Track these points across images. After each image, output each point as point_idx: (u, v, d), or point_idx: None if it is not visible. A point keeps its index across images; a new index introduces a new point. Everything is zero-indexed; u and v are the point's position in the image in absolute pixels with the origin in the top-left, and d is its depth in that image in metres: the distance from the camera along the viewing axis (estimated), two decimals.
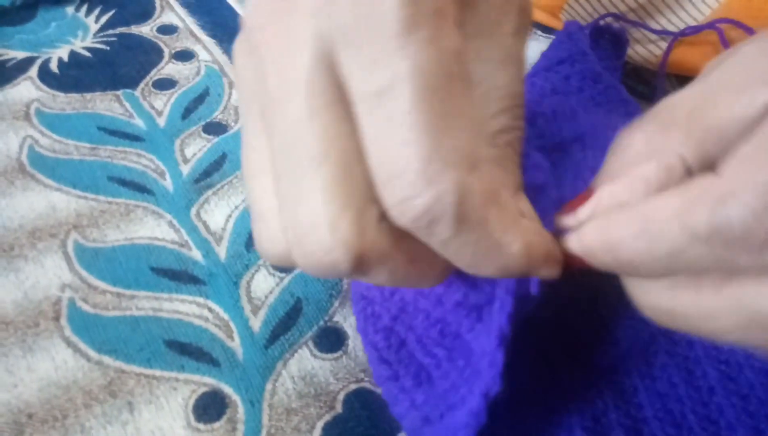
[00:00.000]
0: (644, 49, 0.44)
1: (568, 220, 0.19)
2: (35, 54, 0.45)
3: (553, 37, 0.52)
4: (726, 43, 0.41)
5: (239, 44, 0.19)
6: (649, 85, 0.47)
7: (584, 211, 0.19)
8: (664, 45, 0.43)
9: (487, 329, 0.21)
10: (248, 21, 0.18)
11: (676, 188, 0.17)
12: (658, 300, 0.18)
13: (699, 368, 0.24)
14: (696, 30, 0.41)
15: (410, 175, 0.16)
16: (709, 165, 0.17)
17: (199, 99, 0.43)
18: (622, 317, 0.25)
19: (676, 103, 0.18)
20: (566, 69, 0.31)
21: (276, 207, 0.18)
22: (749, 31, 0.40)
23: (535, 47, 0.51)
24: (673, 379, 0.24)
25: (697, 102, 0.18)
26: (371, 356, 0.25)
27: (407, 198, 0.16)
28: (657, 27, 0.44)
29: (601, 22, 0.42)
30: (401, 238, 0.17)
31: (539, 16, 0.52)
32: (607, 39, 0.40)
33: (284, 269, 0.33)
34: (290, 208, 0.17)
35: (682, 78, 0.45)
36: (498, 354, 0.20)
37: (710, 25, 0.41)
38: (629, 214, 0.17)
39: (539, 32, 0.53)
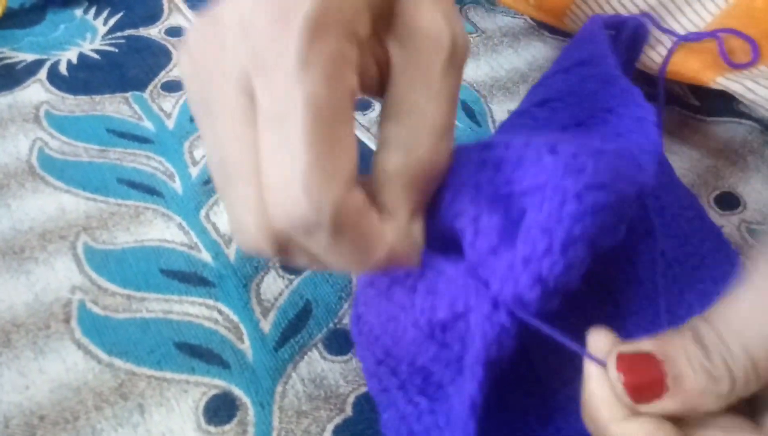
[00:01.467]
0: (644, 56, 0.44)
1: (641, 400, 0.19)
2: (44, 56, 0.46)
3: (559, 37, 0.52)
4: (724, 52, 0.41)
5: (183, 55, 0.22)
6: (654, 86, 0.47)
7: (662, 405, 0.18)
8: (663, 51, 0.43)
9: (461, 388, 0.21)
10: (190, 42, 0.21)
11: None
12: None
13: None
14: (698, 37, 0.41)
15: (293, 187, 0.18)
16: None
17: None
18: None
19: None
20: (584, 72, 0.31)
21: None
22: (750, 41, 0.40)
23: (543, 48, 0.51)
24: None
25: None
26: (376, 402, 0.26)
27: (288, 207, 0.19)
28: (675, 24, 0.44)
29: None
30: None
31: (544, 17, 0.52)
32: (627, 33, 0.39)
33: (294, 270, 0.33)
34: (227, 207, 0.22)
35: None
36: (470, 423, 0.20)
37: (711, 34, 0.41)
38: None
39: (547, 33, 0.53)
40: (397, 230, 0.21)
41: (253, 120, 0.19)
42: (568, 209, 0.19)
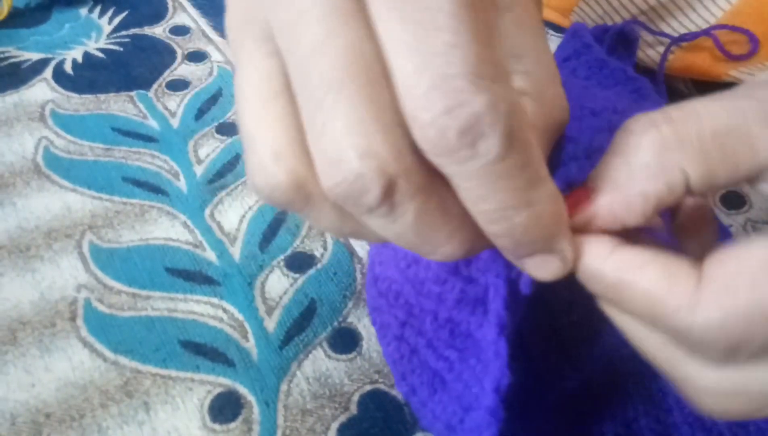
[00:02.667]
0: (645, 53, 0.44)
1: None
2: (50, 55, 0.46)
3: (563, 36, 0.52)
4: (722, 48, 0.40)
5: None
6: (657, 84, 0.47)
7: (581, 217, 0.18)
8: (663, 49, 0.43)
9: (488, 332, 0.21)
10: None
11: (659, 279, 0.16)
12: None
13: (658, 389, 0.24)
14: (693, 36, 0.41)
15: (458, 80, 0.14)
16: (707, 186, 0.17)
17: (212, 100, 0.43)
18: (591, 355, 0.25)
19: (697, 116, 0.18)
20: (572, 64, 0.31)
21: (283, 135, 0.16)
22: (747, 33, 0.40)
23: None
24: (635, 400, 0.24)
25: (721, 127, 0.17)
26: (393, 373, 0.25)
27: (454, 106, 0.14)
28: (668, 29, 0.44)
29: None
30: (434, 179, 0.16)
31: (551, 15, 0.52)
32: (614, 38, 0.39)
33: (299, 269, 0.33)
34: (315, 136, 0.15)
35: (692, 79, 0.44)
36: (500, 343, 0.19)
37: (705, 32, 0.41)
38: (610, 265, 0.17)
39: (551, 32, 0.53)
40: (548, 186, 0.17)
41: (360, 12, 0.15)
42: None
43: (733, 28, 0.40)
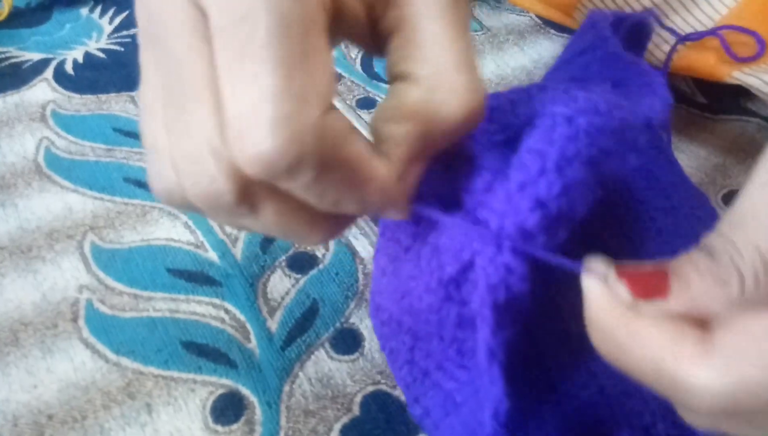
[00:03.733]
0: (650, 51, 0.44)
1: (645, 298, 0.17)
2: (50, 55, 0.46)
3: (565, 35, 0.52)
4: (728, 48, 0.40)
5: None
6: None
7: (650, 303, 0.17)
8: (668, 49, 0.43)
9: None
10: None
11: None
12: None
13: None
14: (700, 36, 0.41)
15: (262, 115, 0.15)
16: None
17: None
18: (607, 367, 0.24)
19: None
20: (588, 57, 0.31)
21: (166, 141, 0.17)
22: (754, 34, 0.40)
23: (549, 46, 0.51)
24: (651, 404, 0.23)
25: None
26: (406, 397, 0.25)
27: (259, 141, 0.15)
28: (680, 22, 0.43)
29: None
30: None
31: (553, 14, 0.52)
32: (629, 29, 0.39)
33: (301, 269, 0.33)
34: (175, 141, 0.17)
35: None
36: (493, 370, 0.18)
37: (712, 32, 0.41)
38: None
39: (553, 31, 0.53)
40: (389, 168, 0.18)
41: (207, 36, 0.16)
42: (559, 131, 0.18)
43: (741, 29, 0.40)
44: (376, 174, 0.18)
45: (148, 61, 0.18)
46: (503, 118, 0.21)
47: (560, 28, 0.52)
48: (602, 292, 0.17)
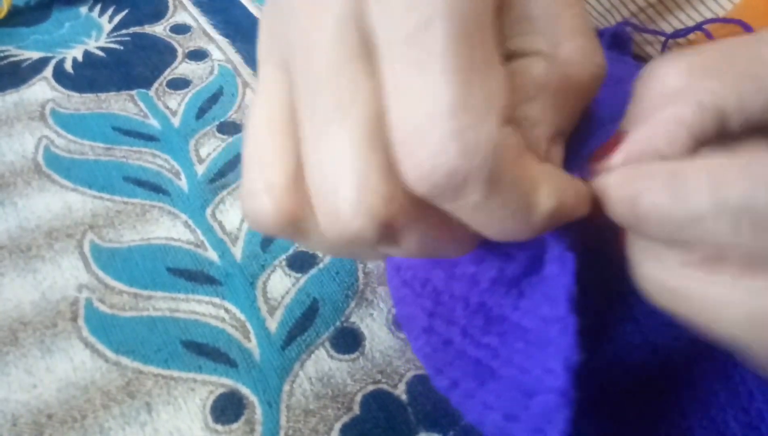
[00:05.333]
0: (645, 51, 0.44)
1: (599, 166, 0.17)
2: (50, 54, 0.46)
3: None
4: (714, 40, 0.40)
5: (267, 5, 0.18)
6: None
7: (617, 157, 0.17)
8: (671, 44, 0.43)
9: (534, 304, 0.19)
10: None
11: (718, 154, 0.15)
12: (664, 275, 0.16)
13: (736, 371, 0.23)
14: (686, 32, 0.41)
15: (438, 127, 0.14)
16: (747, 123, 0.16)
17: (213, 98, 0.43)
18: (659, 323, 0.24)
19: (727, 47, 0.16)
20: None
21: (280, 166, 0.16)
22: (741, 24, 0.40)
23: None
24: (714, 385, 0.23)
25: (753, 55, 0.16)
26: (426, 368, 0.23)
27: (433, 156, 0.14)
28: (676, 22, 0.43)
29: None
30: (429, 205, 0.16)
31: None
32: (610, 40, 0.39)
33: (300, 268, 0.33)
34: (314, 167, 0.15)
35: None
36: (569, 319, 0.17)
37: (698, 27, 0.41)
38: (659, 166, 0.16)
39: None
40: (557, 174, 0.17)
41: (367, 55, 0.15)
42: None
43: (726, 21, 0.40)
44: (553, 190, 0.16)
45: (272, 76, 0.17)
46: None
47: None
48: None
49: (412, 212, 0.15)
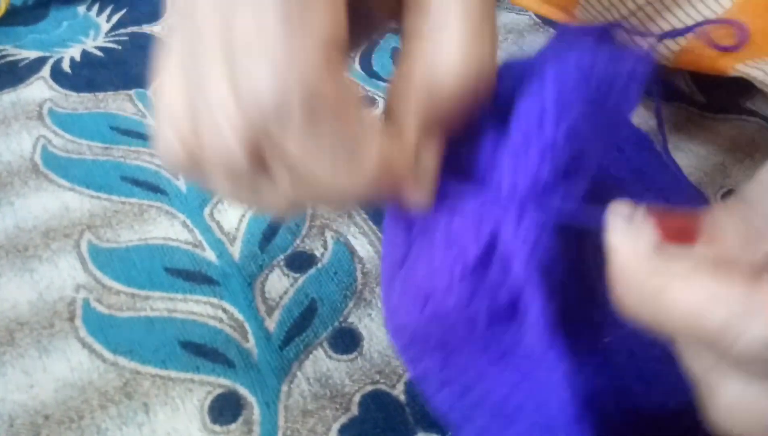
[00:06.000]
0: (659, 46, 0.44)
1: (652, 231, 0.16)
2: (47, 54, 0.45)
3: None
4: (711, 42, 0.40)
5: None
6: (662, 83, 0.46)
7: (693, 253, 0.15)
8: (672, 44, 0.43)
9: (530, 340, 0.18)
10: None
11: None
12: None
13: None
14: (678, 33, 0.42)
15: (260, 62, 0.16)
16: None
17: None
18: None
19: None
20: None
21: (184, 106, 0.18)
22: (738, 26, 0.40)
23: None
24: None
25: None
26: (450, 423, 0.22)
27: (256, 86, 0.16)
28: (675, 20, 0.43)
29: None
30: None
31: (553, 13, 0.52)
32: (596, 39, 0.39)
33: (299, 268, 0.33)
34: (194, 105, 0.18)
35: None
36: (557, 348, 0.17)
37: (689, 30, 0.41)
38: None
39: (552, 30, 0.53)
40: (398, 145, 0.18)
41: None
42: (550, 76, 0.18)
43: (719, 22, 0.40)
44: (375, 145, 0.18)
45: (175, 38, 0.19)
46: (502, 85, 0.20)
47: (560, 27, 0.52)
48: (628, 236, 0.16)
49: (275, 145, 0.17)
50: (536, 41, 0.51)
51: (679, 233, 0.16)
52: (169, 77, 0.19)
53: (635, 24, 0.45)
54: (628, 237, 0.16)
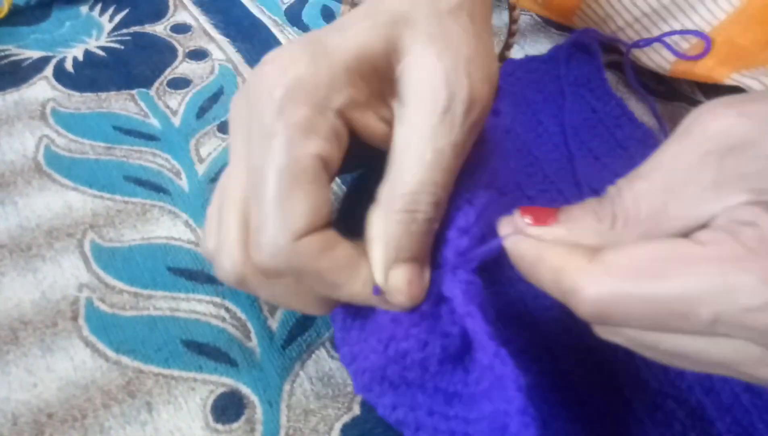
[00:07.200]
0: (658, 55, 0.44)
1: (531, 229, 0.22)
2: (50, 53, 0.46)
3: (566, 34, 0.52)
4: (674, 50, 0.43)
5: (238, 93, 0.25)
6: (667, 84, 0.47)
7: (552, 231, 0.21)
8: (668, 54, 0.43)
9: (479, 377, 0.22)
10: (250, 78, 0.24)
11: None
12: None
13: None
14: (647, 43, 0.44)
15: (260, 234, 0.22)
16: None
17: (214, 98, 0.43)
18: None
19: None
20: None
21: (238, 236, 0.24)
22: (700, 35, 0.42)
23: (550, 44, 0.51)
24: (735, 389, 0.24)
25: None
26: None
27: (254, 255, 0.23)
28: (677, 28, 0.43)
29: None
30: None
31: (553, 14, 0.52)
32: (571, 49, 0.44)
33: None
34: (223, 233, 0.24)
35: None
36: (506, 367, 0.20)
37: (657, 39, 0.43)
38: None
39: (553, 29, 0.53)
40: (368, 270, 0.23)
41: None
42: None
43: (684, 32, 0.42)
44: (348, 286, 0.23)
45: (236, 151, 0.25)
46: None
47: (561, 27, 0.52)
48: (509, 224, 0.22)
49: (258, 277, 0.24)
50: (538, 40, 0.51)
51: (543, 218, 0.22)
52: (226, 207, 0.24)
53: (632, 35, 0.45)
54: (510, 224, 0.22)
